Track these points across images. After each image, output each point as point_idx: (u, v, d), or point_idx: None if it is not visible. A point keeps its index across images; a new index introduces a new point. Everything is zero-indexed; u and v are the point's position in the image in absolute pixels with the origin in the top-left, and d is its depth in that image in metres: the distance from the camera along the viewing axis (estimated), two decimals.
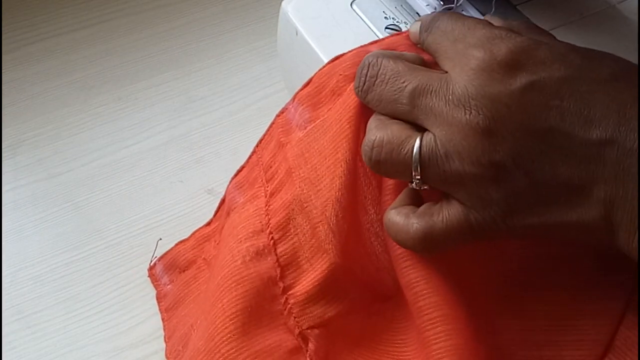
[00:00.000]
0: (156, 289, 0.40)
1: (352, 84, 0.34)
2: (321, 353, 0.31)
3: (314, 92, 0.36)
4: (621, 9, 0.40)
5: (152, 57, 0.55)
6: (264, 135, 0.38)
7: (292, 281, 0.33)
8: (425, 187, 0.29)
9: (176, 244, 0.41)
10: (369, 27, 0.40)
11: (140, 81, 0.53)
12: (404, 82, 0.29)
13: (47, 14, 0.58)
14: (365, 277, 0.32)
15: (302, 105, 0.36)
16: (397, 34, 0.38)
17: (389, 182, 0.32)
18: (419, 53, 0.36)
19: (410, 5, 0.40)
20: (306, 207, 0.33)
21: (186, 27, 0.57)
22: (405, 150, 0.28)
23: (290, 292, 0.32)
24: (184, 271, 0.39)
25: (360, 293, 0.32)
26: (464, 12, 0.37)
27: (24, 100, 0.52)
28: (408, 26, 0.39)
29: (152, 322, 0.39)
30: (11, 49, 0.55)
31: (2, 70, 0.54)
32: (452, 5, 0.37)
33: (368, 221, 0.33)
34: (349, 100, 0.34)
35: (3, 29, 0.57)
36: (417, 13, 0.39)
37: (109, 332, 0.39)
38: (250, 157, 0.38)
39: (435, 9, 0.37)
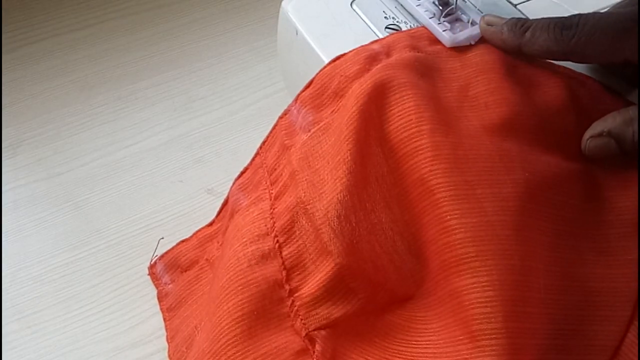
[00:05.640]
0: (157, 287, 0.40)
1: (354, 85, 0.34)
2: (328, 354, 0.31)
3: (317, 94, 0.36)
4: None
5: (152, 57, 0.55)
6: (268, 137, 0.38)
7: (298, 283, 0.33)
8: None
9: (178, 244, 0.41)
10: (369, 27, 0.40)
11: (140, 81, 0.53)
12: None
13: (47, 14, 0.58)
14: (381, 277, 0.32)
15: (305, 107, 0.36)
16: (397, 33, 0.38)
17: (414, 176, 0.32)
18: (418, 52, 0.36)
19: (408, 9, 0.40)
20: (309, 209, 0.33)
21: (186, 27, 0.57)
22: None
23: (296, 295, 0.32)
24: (185, 271, 0.39)
25: (371, 293, 0.32)
26: (462, 15, 0.37)
27: (24, 100, 0.52)
28: (408, 26, 0.39)
29: (152, 322, 0.39)
30: (11, 49, 0.55)
31: (2, 70, 0.54)
32: (453, 7, 0.37)
33: (391, 220, 0.33)
34: (350, 102, 0.34)
35: (3, 29, 0.57)
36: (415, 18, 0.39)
37: (109, 332, 0.39)
38: (253, 158, 0.38)
39: (433, 14, 0.37)
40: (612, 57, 0.34)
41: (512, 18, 0.35)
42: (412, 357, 0.31)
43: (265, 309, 0.32)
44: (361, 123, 0.33)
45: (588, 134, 0.34)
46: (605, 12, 0.34)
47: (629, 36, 0.32)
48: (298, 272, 0.33)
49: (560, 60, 0.35)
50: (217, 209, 0.41)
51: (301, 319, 0.32)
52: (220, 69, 0.54)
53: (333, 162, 0.33)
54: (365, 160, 0.33)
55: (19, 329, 0.39)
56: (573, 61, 0.35)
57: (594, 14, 0.34)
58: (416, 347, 0.31)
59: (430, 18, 0.37)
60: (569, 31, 0.33)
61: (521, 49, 0.35)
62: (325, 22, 0.40)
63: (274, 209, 0.35)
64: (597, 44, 0.33)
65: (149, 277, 0.41)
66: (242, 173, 0.39)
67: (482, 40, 0.37)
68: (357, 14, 0.40)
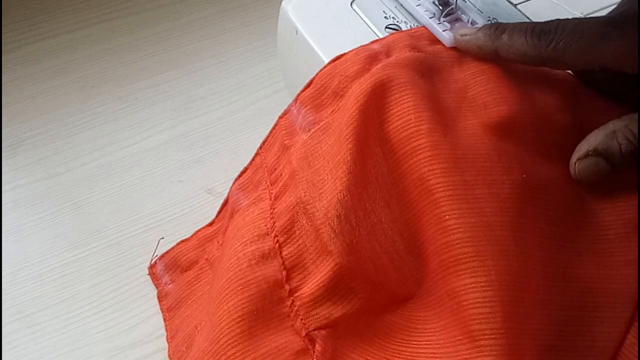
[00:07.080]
0: (157, 287, 0.40)
1: (354, 85, 0.34)
2: (328, 354, 0.31)
3: (316, 94, 0.36)
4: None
5: (152, 57, 0.55)
6: (267, 137, 0.38)
7: (298, 283, 0.33)
8: None
9: (178, 244, 0.41)
10: (369, 27, 0.40)
11: (140, 81, 0.53)
12: None
13: (47, 14, 0.58)
14: (381, 277, 0.32)
15: (305, 107, 0.36)
16: (397, 33, 0.38)
17: (414, 176, 0.32)
18: (418, 52, 0.36)
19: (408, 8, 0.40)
20: (309, 209, 0.33)
21: (186, 27, 0.57)
22: None
23: (296, 294, 0.32)
24: (185, 271, 0.39)
25: (371, 293, 0.32)
26: (462, 15, 0.37)
27: (24, 100, 0.52)
28: (408, 26, 0.39)
29: (152, 322, 0.39)
30: (11, 49, 0.55)
31: (2, 70, 0.54)
32: (453, 7, 0.37)
33: (391, 219, 0.33)
34: (350, 102, 0.34)
35: (3, 29, 0.57)
36: (415, 18, 0.39)
37: (109, 332, 0.39)
38: (253, 158, 0.38)
39: (433, 14, 0.37)
40: (590, 63, 0.33)
41: (486, 24, 0.35)
42: (412, 357, 0.31)
43: (265, 309, 0.32)
44: (361, 123, 0.33)
45: (575, 157, 0.33)
46: (584, 17, 0.33)
47: (607, 42, 0.31)
48: (298, 272, 0.33)
49: (536, 65, 0.35)
50: (217, 209, 0.41)
51: (301, 319, 0.32)
52: (220, 69, 0.54)
53: (333, 162, 0.33)
54: (365, 160, 0.33)
55: (19, 329, 0.39)
56: (550, 67, 0.34)
57: (573, 19, 0.33)
58: (416, 347, 0.31)
59: (430, 18, 0.37)
60: (546, 36, 0.32)
61: (498, 53, 0.34)
62: (325, 22, 0.40)
63: (274, 208, 0.35)
64: (575, 51, 0.32)
65: (149, 277, 0.41)
66: (242, 173, 0.39)
67: None
68: (357, 14, 0.40)
